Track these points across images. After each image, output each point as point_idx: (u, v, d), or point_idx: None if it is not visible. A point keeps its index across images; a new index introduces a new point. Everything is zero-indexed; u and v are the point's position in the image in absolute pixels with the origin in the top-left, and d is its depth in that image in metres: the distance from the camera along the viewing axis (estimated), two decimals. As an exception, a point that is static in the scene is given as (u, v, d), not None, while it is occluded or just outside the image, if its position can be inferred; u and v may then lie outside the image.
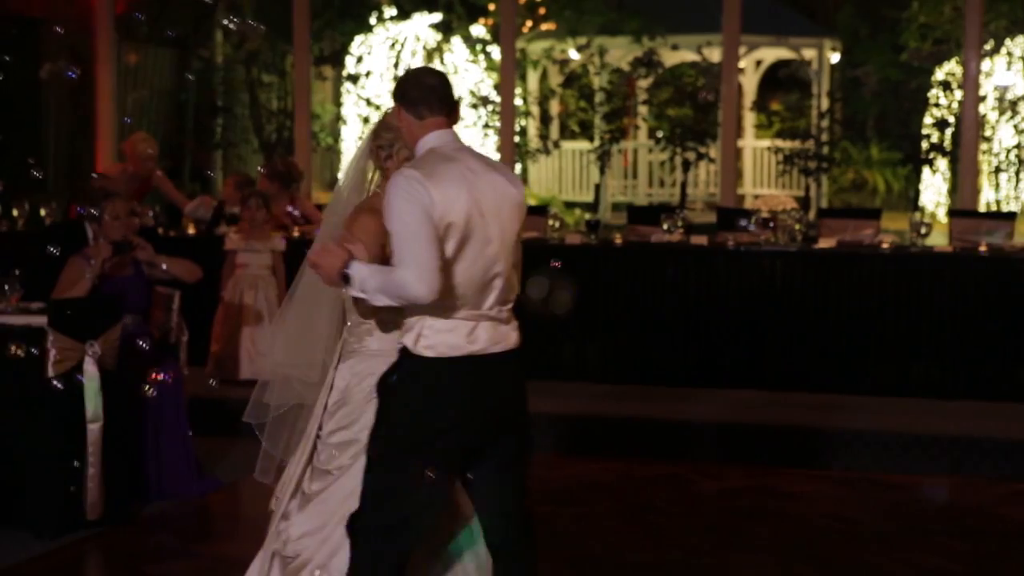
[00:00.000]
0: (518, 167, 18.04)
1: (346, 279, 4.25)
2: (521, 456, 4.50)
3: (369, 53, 18.01)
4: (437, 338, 4.27)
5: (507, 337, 4.40)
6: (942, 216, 16.87)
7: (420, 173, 4.23)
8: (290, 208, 10.46)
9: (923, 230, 9.92)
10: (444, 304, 4.24)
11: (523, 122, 19.02)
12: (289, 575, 4.67)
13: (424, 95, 4.40)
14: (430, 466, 4.29)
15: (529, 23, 20.00)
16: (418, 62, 17.71)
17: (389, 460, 4.32)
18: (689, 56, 18.23)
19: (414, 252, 4.16)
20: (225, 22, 16.80)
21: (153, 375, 6.84)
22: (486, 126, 17.88)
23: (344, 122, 18.27)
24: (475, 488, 4.50)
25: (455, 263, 4.25)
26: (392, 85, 17.11)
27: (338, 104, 19.03)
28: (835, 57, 20.41)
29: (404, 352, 4.33)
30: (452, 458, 4.36)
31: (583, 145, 19.97)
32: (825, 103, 18.13)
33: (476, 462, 4.42)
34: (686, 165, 16.78)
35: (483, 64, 18.33)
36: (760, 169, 20.77)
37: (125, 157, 10.92)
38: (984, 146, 16.65)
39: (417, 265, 4.14)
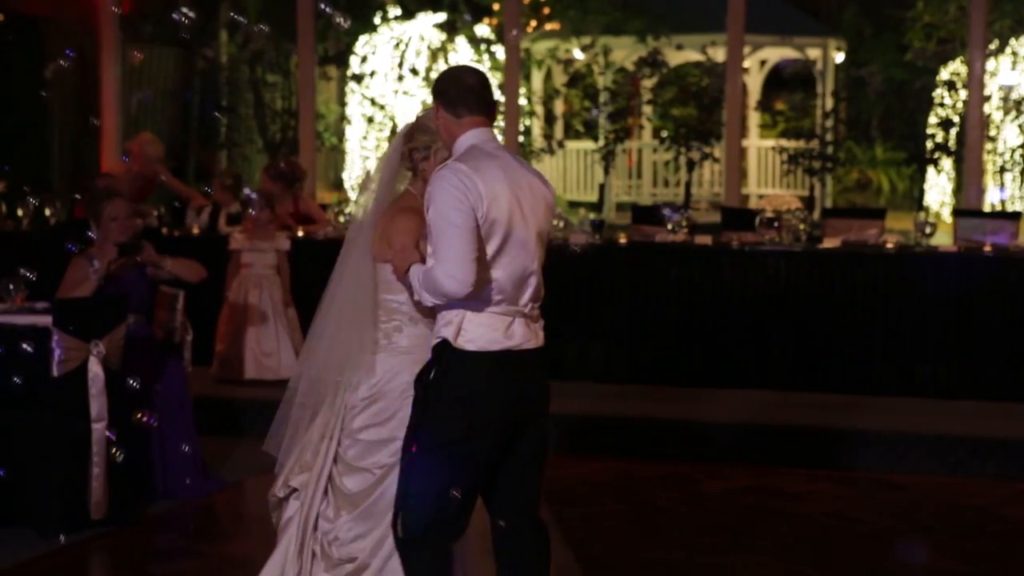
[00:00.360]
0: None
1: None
2: (542, 452, 4.54)
3: (373, 53, 18.00)
4: (477, 332, 4.31)
5: (537, 335, 4.47)
6: (947, 216, 16.85)
7: (467, 167, 4.27)
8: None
9: (928, 230, 9.92)
10: (484, 299, 4.29)
11: (527, 122, 19.01)
12: None
13: (463, 95, 4.43)
14: (476, 460, 4.33)
15: (533, 23, 19.98)
16: (422, 62, 17.71)
17: (435, 457, 4.31)
18: (693, 56, 18.21)
19: (451, 246, 4.19)
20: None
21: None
22: (491, 126, 17.83)
23: (348, 122, 18.27)
24: (496, 483, 4.50)
25: (497, 259, 4.29)
26: (397, 83, 17.03)
27: (342, 104, 19.02)
28: (840, 57, 20.39)
29: (443, 346, 4.34)
30: (494, 452, 4.39)
31: (587, 145, 19.96)
32: (830, 103, 18.11)
33: (504, 457, 4.44)
34: (690, 165, 16.77)
35: (487, 64, 18.32)
36: (764, 169, 20.75)
37: (131, 156, 10.94)
38: (989, 146, 16.62)
39: (452, 260, 4.18)
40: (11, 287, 7.30)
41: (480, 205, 4.23)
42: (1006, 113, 17.07)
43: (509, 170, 4.36)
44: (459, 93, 4.43)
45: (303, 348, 4.96)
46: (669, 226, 10.06)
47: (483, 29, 18.61)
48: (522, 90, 16.90)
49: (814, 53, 19.73)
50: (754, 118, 20.76)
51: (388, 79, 17.81)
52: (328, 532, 4.71)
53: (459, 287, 4.18)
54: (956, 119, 16.76)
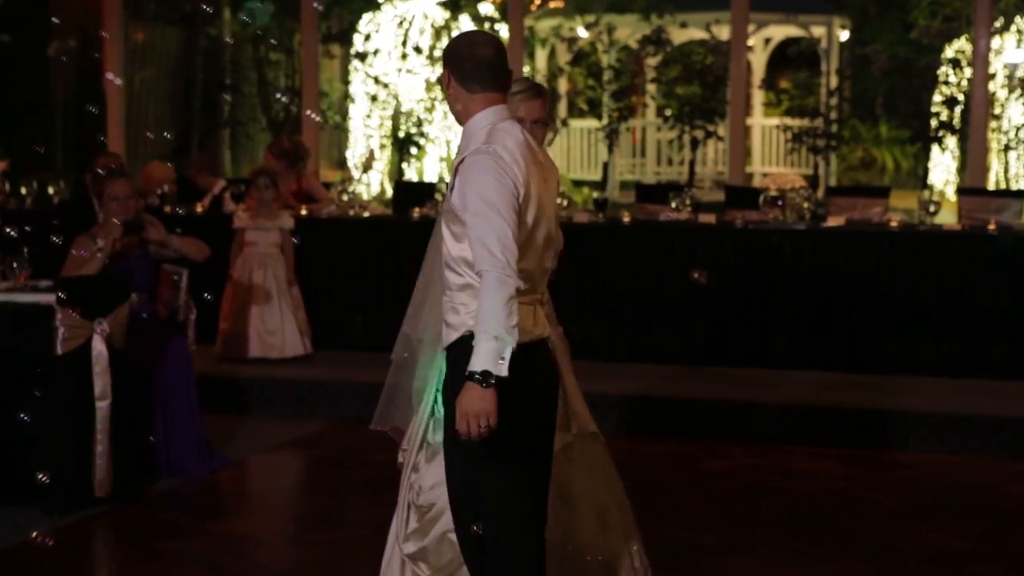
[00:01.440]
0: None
1: None
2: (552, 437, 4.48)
3: (377, 31, 17.97)
4: None
5: (547, 322, 4.37)
6: (951, 194, 16.83)
7: (504, 152, 4.08)
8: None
9: (932, 208, 9.91)
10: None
11: (531, 100, 18.95)
12: (426, 524, 4.68)
13: (477, 70, 4.18)
14: (538, 449, 4.27)
15: (537, 1, 19.95)
16: (426, 41, 17.68)
17: (499, 455, 4.12)
18: (698, 34, 18.19)
19: (500, 234, 3.97)
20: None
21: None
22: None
23: (352, 100, 18.25)
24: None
25: (529, 246, 4.13)
26: (400, 62, 16.99)
27: (346, 82, 19.00)
28: (844, 35, 20.35)
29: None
30: (544, 440, 4.33)
31: (591, 123, 19.94)
32: (834, 81, 18.09)
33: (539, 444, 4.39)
34: (694, 143, 16.75)
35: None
36: (769, 147, 20.72)
37: (140, 179, 11.00)
38: (993, 124, 16.60)
39: (504, 251, 3.95)
40: (15, 265, 7.31)
41: (519, 190, 4.06)
42: (1011, 91, 17.04)
43: (533, 153, 4.21)
44: (474, 68, 4.17)
45: (407, 313, 4.77)
46: (673, 204, 10.06)
47: (487, 7, 18.57)
48: (526, 68, 16.86)
49: (818, 31, 19.69)
50: (758, 96, 20.73)
51: (392, 57, 17.78)
52: (415, 482, 4.71)
53: (514, 280, 3.94)
54: (960, 97, 16.75)
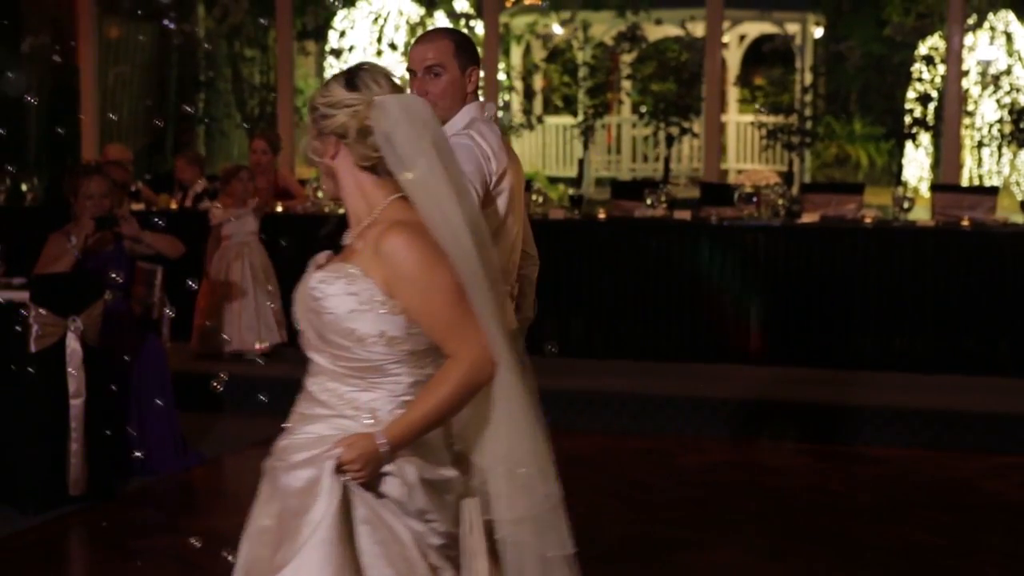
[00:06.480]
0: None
1: None
2: None
3: (352, 28, 17.94)
4: None
5: (514, 317, 4.34)
6: (925, 191, 16.90)
7: (481, 136, 4.15)
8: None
9: (906, 205, 9.95)
10: None
11: (506, 97, 18.98)
12: None
13: None
14: None
15: (513, -3, 19.95)
16: (401, 37, 17.65)
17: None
18: (673, 31, 18.20)
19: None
20: None
21: None
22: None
23: (327, 97, 18.19)
24: None
25: (498, 237, 4.11)
26: (375, 58, 16.96)
27: (321, 79, 18.95)
28: (819, 32, 20.39)
29: None
30: None
31: (567, 120, 19.94)
32: (808, 78, 18.13)
33: None
34: (669, 140, 16.77)
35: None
36: (743, 144, 20.76)
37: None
38: (967, 121, 16.67)
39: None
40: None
41: (491, 173, 4.09)
42: (984, 88, 17.12)
43: (506, 144, 4.28)
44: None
45: None
46: (648, 201, 10.07)
47: (462, 3, 18.56)
48: (501, 65, 16.86)
49: (793, 28, 19.72)
50: (733, 93, 20.76)
51: (367, 54, 17.74)
52: None
53: None
54: (934, 94, 16.80)
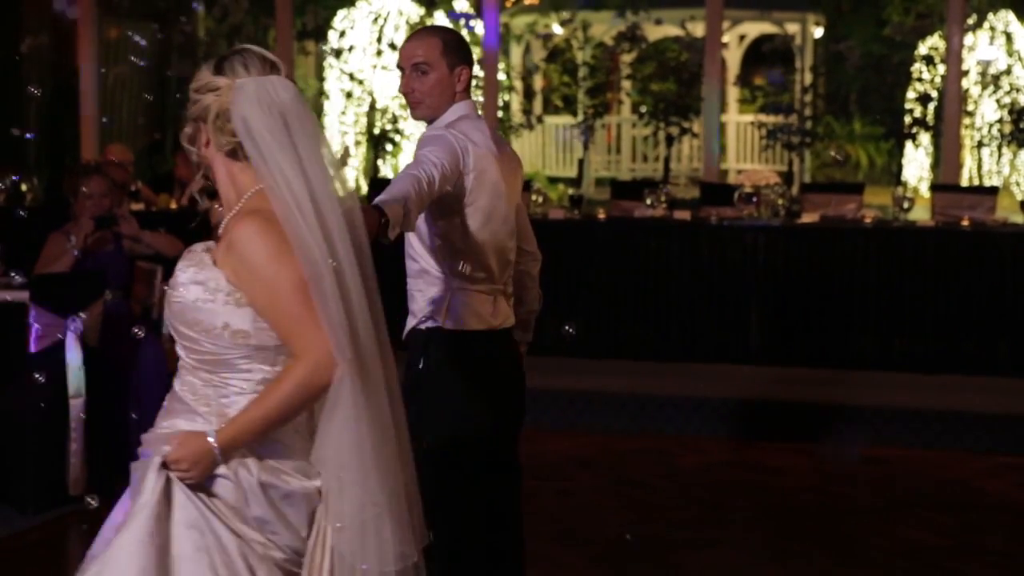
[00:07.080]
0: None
1: None
2: (519, 426, 4.41)
3: (352, 27, 17.93)
4: (467, 312, 4.13)
5: (511, 313, 4.34)
6: (925, 191, 16.89)
7: (463, 133, 4.13)
8: None
9: (906, 204, 9.95)
10: (470, 277, 4.13)
11: (506, 97, 18.97)
12: None
13: None
14: (486, 450, 4.16)
15: (512, -3, 19.94)
16: (401, 37, 17.63)
17: (443, 455, 4.06)
18: (673, 31, 18.19)
19: (426, 164, 3.96)
20: None
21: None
22: (469, 100, 17.78)
23: (327, 97, 18.20)
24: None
25: (482, 233, 4.13)
26: (375, 58, 16.88)
27: (321, 79, 18.95)
28: (818, 32, 20.39)
29: (433, 332, 4.14)
30: (506, 434, 4.26)
31: (566, 120, 19.94)
32: (808, 78, 18.12)
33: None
34: (669, 140, 16.76)
35: (466, 38, 18.25)
36: (743, 144, 20.75)
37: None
38: (967, 120, 16.66)
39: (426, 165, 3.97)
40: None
41: (468, 168, 4.07)
42: (984, 88, 17.12)
43: (496, 143, 4.26)
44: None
45: None
46: (648, 201, 10.07)
47: (462, 3, 18.55)
48: (501, 65, 16.85)
49: (793, 28, 19.72)
50: (733, 93, 20.75)
51: (367, 54, 17.73)
52: None
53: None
54: (934, 94, 16.80)
